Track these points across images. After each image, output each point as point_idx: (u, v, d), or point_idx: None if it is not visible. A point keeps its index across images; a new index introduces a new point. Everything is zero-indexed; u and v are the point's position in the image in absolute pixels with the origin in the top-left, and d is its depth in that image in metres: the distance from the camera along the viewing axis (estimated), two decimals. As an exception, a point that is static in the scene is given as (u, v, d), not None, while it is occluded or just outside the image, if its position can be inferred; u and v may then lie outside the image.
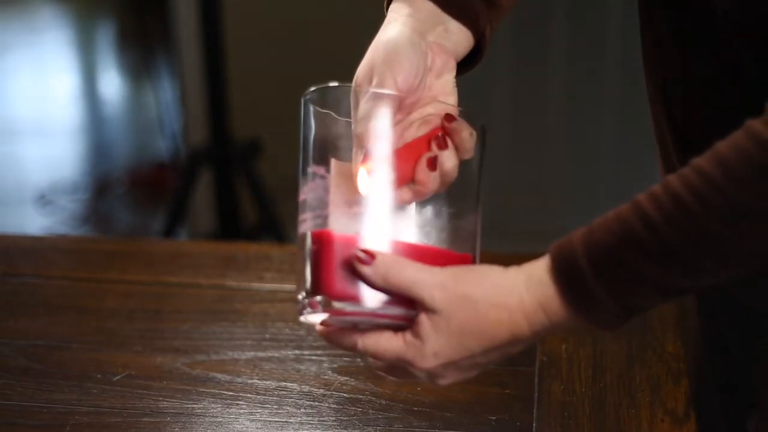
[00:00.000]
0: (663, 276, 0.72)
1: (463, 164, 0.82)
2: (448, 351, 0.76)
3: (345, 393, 0.98)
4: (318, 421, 0.95)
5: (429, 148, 0.81)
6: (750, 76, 0.81)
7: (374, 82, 0.80)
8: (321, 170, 0.80)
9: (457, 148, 0.81)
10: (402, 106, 0.82)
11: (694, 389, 0.98)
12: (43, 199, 3.22)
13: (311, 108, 0.81)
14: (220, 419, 0.95)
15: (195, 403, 0.97)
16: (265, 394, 0.98)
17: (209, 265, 1.20)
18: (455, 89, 0.84)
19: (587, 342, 1.03)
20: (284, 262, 1.20)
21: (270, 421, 0.95)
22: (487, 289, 0.76)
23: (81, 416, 0.95)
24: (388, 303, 0.77)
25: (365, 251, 0.76)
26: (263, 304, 1.12)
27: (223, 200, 2.46)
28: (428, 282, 0.76)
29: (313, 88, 0.81)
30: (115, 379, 1.00)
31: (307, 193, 0.80)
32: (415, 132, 0.82)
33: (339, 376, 1.00)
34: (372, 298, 0.77)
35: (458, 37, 0.85)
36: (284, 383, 0.99)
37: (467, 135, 0.81)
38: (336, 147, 0.81)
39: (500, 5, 0.88)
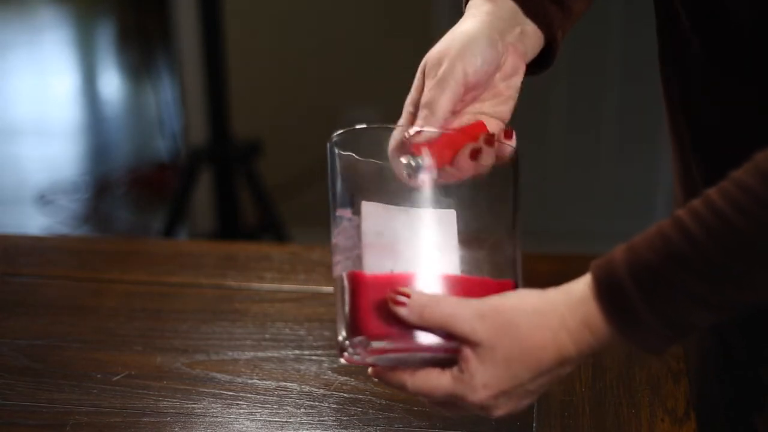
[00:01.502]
0: (708, 292, 0.71)
1: (498, 190, 0.82)
2: (497, 381, 0.75)
3: (345, 393, 0.98)
4: (318, 421, 0.95)
5: (468, 140, 0.81)
6: None
7: (443, 68, 0.81)
8: (348, 213, 0.80)
9: (497, 155, 0.82)
10: (464, 98, 0.83)
11: (694, 389, 0.98)
12: (43, 199, 3.22)
13: (336, 151, 0.81)
14: (220, 419, 0.95)
15: (195, 403, 0.97)
16: (265, 394, 0.98)
17: (209, 265, 1.20)
18: (517, 94, 0.85)
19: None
20: (284, 262, 1.20)
21: (270, 421, 0.95)
22: (527, 313, 0.75)
23: (81, 416, 0.95)
24: (427, 337, 0.76)
25: (399, 291, 0.76)
26: (263, 304, 1.12)
27: (223, 200, 2.46)
28: (466, 315, 0.75)
29: (338, 132, 0.81)
30: (115, 379, 1.00)
31: (337, 236, 0.80)
32: (458, 120, 0.84)
33: (339, 376, 1.00)
34: (411, 335, 0.76)
35: (532, 40, 0.86)
36: (284, 383, 0.99)
37: (507, 154, 0.83)
38: (362, 188, 0.81)
39: (572, 11, 0.88)
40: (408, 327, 0.76)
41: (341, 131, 0.81)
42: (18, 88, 4.08)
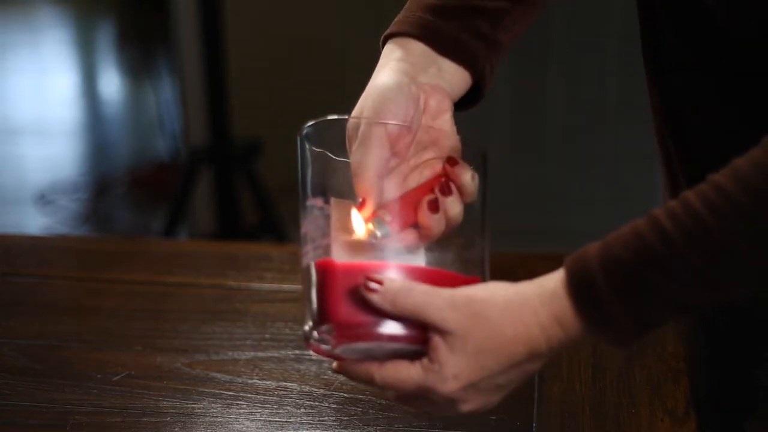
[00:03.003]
0: (681, 293, 0.71)
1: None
2: (468, 372, 0.75)
3: (345, 393, 0.98)
4: (318, 421, 0.95)
5: (426, 193, 0.80)
6: (762, 91, 0.80)
7: (361, 129, 0.80)
8: (319, 202, 0.79)
9: (460, 192, 0.81)
10: (397, 150, 0.81)
11: (694, 389, 0.98)
12: (43, 199, 3.22)
13: (307, 145, 0.80)
14: (220, 419, 0.95)
15: (195, 403, 0.97)
16: (265, 394, 0.98)
17: (209, 265, 1.20)
18: (453, 129, 0.83)
19: (587, 342, 1.03)
20: (284, 262, 1.20)
21: (270, 421, 0.95)
22: (500, 305, 0.75)
23: (81, 416, 0.95)
24: (397, 326, 0.76)
25: (372, 278, 0.75)
26: (263, 304, 1.12)
27: (223, 200, 2.46)
28: (439, 304, 0.74)
29: (308, 124, 0.80)
30: (115, 379, 1.00)
31: (307, 225, 0.79)
32: (418, 177, 0.82)
33: (339, 376, 1.00)
34: (380, 323, 0.76)
35: (454, 77, 0.85)
36: (284, 383, 0.99)
37: (469, 179, 0.81)
38: (333, 184, 0.80)
39: (500, 43, 0.87)
40: (378, 315, 0.75)
41: (312, 122, 0.81)
42: (18, 88, 4.08)
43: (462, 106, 0.87)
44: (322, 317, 0.77)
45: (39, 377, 1.01)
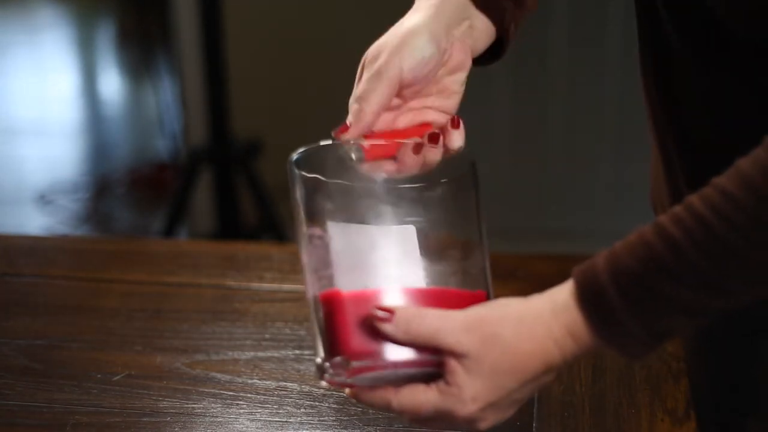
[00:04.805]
0: (691, 299, 0.71)
1: (461, 201, 0.82)
2: (486, 393, 0.74)
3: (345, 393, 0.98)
4: (318, 421, 0.95)
5: (413, 136, 0.82)
6: (763, 87, 0.80)
7: (378, 62, 0.81)
8: (317, 231, 0.79)
9: (445, 149, 0.82)
10: (403, 93, 0.82)
11: (694, 389, 0.98)
12: (43, 199, 3.22)
13: (297, 173, 0.80)
14: (220, 419, 0.95)
15: (195, 403, 0.97)
16: (265, 394, 0.98)
17: (209, 265, 1.20)
18: (463, 88, 0.85)
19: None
20: (284, 262, 1.20)
21: (270, 421, 0.95)
22: (513, 323, 0.74)
23: (81, 416, 0.95)
24: (410, 352, 0.75)
25: (383, 308, 0.75)
26: (263, 304, 1.12)
27: (223, 200, 2.46)
28: (452, 328, 0.74)
29: (298, 151, 0.80)
30: (115, 379, 1.00)
31: (308, 255, 0.79)
32: (410, 120, 0.84)
33: (339, 376, 1.00)
34: (393, 350, 0.75)
35: (482, 34, 0.85)
36: (284, 383, 0.99)
37: (459, 145, 0.83)
38: (329, 209, 0.80)
39: (525, 4, 0.88)
40: (390, 343, 0.75)
41: (302, 150, 0.80)
42: (18, 88, 4.08)
43: (478, 62, 0.88)
44: (333, 349, 0.76)
45: (39, 377, 1.01)
